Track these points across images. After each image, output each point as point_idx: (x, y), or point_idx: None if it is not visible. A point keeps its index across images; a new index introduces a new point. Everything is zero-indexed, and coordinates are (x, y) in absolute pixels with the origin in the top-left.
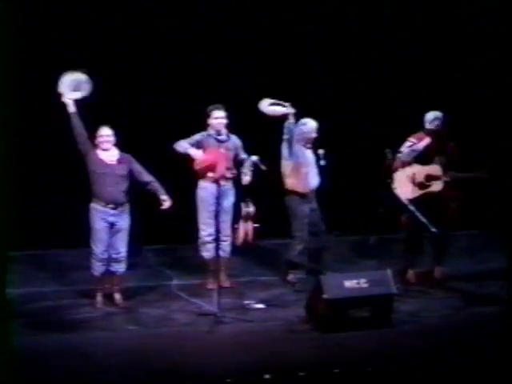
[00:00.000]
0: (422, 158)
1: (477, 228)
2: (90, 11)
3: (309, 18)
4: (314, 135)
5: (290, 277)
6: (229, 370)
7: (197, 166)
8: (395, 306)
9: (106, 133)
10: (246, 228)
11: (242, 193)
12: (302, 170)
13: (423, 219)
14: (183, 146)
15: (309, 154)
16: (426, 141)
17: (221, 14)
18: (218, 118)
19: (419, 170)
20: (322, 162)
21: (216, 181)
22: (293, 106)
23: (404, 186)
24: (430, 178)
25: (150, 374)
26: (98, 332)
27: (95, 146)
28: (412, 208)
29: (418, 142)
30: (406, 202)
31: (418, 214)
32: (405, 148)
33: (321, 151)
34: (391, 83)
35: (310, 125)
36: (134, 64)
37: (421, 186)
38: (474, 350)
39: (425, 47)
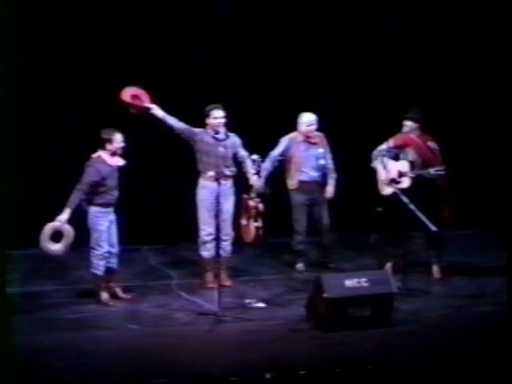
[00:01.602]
0: (393, 154)
1: (476, 228)
2: (89, 11)
3: (307, 18)
4: (310, 128)
5: (299, 265)
6: (229, 369)
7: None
8: (395, 305)
9: (121, 140)
10: (256, 225)
11: (249, 190)
12: (292, 161)
13: (423, 218)
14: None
15: (306, 148)
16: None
17: (221, 13)
18: (217, 117)
19: (392, 166)
20: (323, 162)
21: (216, 179)
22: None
23: (383, 182)
24: (400, 174)
25: (151, 373)
26: (98, 331)
27: (104, 150)
28: (412, 207)
29: (393, 146)
30: (406, 200)
31: (418, 213)
32: (377, 151)
33: (321, 150)
34: (392, 82)
35: (305, 117)
36: (131, 64)
37: (394, 182)
38: (474, 350)
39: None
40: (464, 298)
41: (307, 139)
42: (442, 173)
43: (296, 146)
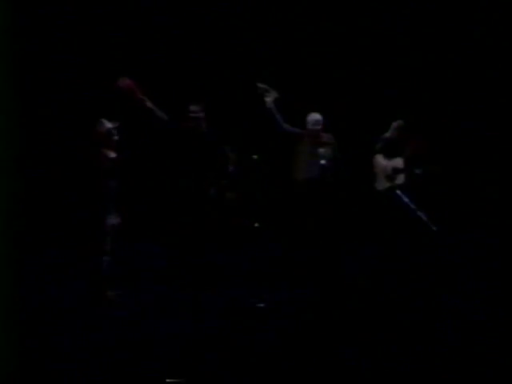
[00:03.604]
0: (388, 150)
1: (476, 228)
2: (86, 11)
3: (301, 16)
4: (317, 128)
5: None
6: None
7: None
8: (396, 304)
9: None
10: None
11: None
12: (298, 160)
13: (424, 217)
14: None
15: (312, 147)
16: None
17: (212, 10)
18: (193, 112)
19: (388, 163)
20: (323, 162)
21: None
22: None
23: (379, 177)
24: (395, 170)
25: (151, 373)
26: (101, 331)
27: (99, 144)
28: (413, 207)
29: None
30: (407, 200)
31: (419, 212)
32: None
33: (322, 150)
34: (394, 79)
35: (310, 117)
36: (122, 63)
37: (389, 178)
38: (472, 349)
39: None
40: (463, 298)
41: (313, 139)
42: (439, 171)
43: (303, 145)
